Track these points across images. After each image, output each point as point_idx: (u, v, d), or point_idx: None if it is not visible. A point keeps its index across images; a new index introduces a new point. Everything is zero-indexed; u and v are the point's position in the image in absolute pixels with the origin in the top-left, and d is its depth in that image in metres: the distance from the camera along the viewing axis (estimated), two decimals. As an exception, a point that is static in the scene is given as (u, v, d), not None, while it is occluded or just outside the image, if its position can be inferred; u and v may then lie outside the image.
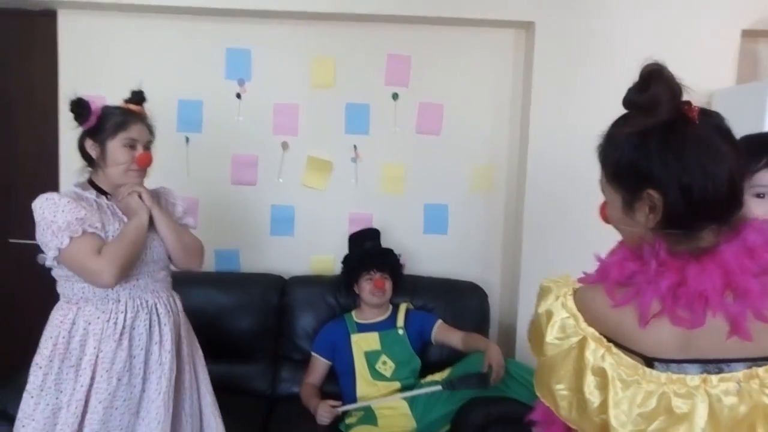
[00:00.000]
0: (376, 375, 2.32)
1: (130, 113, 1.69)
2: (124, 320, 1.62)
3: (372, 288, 2.38)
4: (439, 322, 2.44)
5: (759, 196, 1.15)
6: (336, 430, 2.22)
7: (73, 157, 1.75)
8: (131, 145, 1.67)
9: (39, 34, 2.70)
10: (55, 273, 1.66)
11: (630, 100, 0.89)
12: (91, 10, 2.62)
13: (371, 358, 2.34)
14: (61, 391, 1.59)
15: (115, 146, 1.65)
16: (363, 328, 2.40)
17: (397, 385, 2.31)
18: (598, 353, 0.87)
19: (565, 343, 0.90)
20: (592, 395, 0.87)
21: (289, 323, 2.55)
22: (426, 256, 2.81)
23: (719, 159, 0.85)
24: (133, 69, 2.59)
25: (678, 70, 0.86)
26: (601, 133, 0.96)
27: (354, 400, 2.30)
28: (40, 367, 1.60)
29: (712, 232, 0.87)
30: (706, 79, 2.50)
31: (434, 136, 2.77)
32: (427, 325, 2.43)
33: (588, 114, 2.51)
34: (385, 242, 2.58)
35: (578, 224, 2.53)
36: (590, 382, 0.87)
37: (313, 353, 2.43)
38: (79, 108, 1.65)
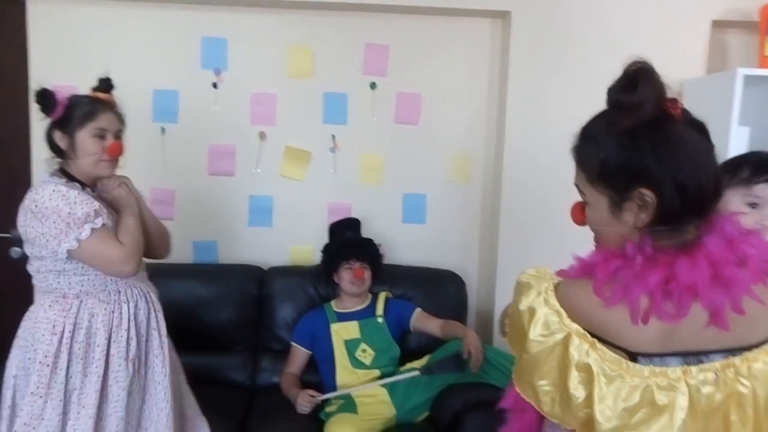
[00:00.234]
0: (356, 363, 2.34)
1: (99, 102, 1.65)
2: (129, 310, 1.65)
3: (351, 277, 2.39)
4: (418, 310, 2.46)
5: (752, 205, 1.26)
6: (316, 419, 2.24)
7: (46, 148, 1.71)
8: (101, 135, 1.63)
9: (8, 23, 2.63)
10: (41, 267, 1.61)
11: (616, 99, 0.88)
12: (62, -3, 2.56)
13: (351, 346, 2.36)
14: (71, 387, 1.57)
15: (85, 137, 1.62)
16: (342, 317, 2.42)
17: (376, 372, 2.33)
18: (582, 349, 0.87)
19: (550, 340, 0.90)
20: (577, 391, 0.87)
21: (268, 314, 2.55)
22: (405, 245, 2.83)
23: (705, 153, 0.87)
24: (107, 58, 2.51)
25: (650, 59, 0.87)
26: (576, 134, 0.95)
27: (334, 388, 2.32)
28: (47, 366, 1.56)
29: (693, 227, 0.88)
30: (676, 69, 2.55)
31: (412, 125, 2.78)
32: (406, 314, 2.46)
33: (563, 104, 2.55)
34: (364, 232, 2.59)
35: (553, 213, 2.57)
36: (575, 377, 0.87)
37: (292, 343, 2.44)
38: (45, 99, 1.61)
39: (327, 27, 2.69)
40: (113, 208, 1.70)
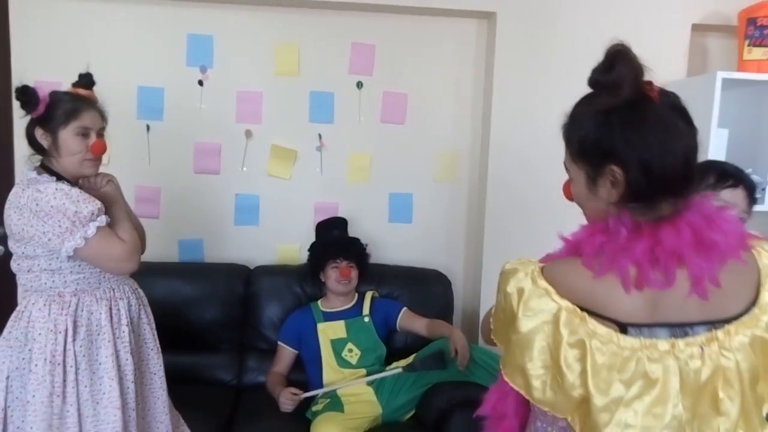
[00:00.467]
0: (343, 363, 2.34)
1: (81, 99, 1.63)
2: (126, 305, 1.68)
3: (338, 276, 2.39)
4: (405, 309, 2.48)
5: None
6: (303, 419, 2.24)
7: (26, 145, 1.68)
8: (84, 134, 1.61)
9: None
10: (32, 266, 1.59)
11: (595, 79, 0.92)
12: (45, -8, 2.53)
13: (337, 345, 2.36)
14: (82, 385, 1.58)
15: (68, 135, 1.59)
16: (329, 316, 2.42)
17: (363, 372, 2.34)
18: (573, 323, 0.88)
19: (540, 317, 0.90)
20: (570, 368, 0.87)
21: (254, 313, 2.55)
22: (391, 244, 2.84)
23: (677, 137, 0.89)
24: (91, 54, 2.50)
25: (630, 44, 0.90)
26: (565, 113, 0.99)
27: (320, 387, 2.32)
28: (58, 364, 1.55)
29: (669, 204, 0.91)
30: (657, 72, 2.56)
31: (399, 125, 2.79)
32: (393, 313, 2.47)
33: (548, 103, 2.57)
34: (351, 231, 2.60)
35: (537, 212, 2.61)
36: (567, 354, 0.87)
37: (279, 342, 2.44)
38: (25, 96, 1.58)
39: (314, 26, 2.69)
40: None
